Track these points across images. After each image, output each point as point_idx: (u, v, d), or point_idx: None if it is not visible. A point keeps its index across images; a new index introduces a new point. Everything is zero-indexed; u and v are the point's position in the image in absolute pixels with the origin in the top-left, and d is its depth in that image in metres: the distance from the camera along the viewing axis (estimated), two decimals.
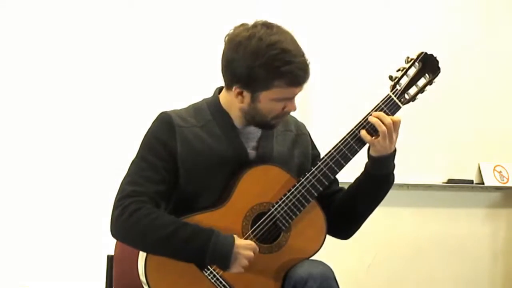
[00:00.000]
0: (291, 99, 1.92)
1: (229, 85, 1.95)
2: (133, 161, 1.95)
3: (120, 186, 1.91)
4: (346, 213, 2.02)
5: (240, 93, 1.92)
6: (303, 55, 1.89)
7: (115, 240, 2.18)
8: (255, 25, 1.90)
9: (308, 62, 1.89)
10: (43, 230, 3.19)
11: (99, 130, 3.27)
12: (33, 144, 3.20)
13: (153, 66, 3.36)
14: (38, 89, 3.21)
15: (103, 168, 3.21)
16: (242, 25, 1.93)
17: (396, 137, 1.93)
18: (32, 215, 3.18)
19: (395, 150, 1.96)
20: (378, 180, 2.00)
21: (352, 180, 2.06)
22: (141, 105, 3.25)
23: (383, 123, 1.90)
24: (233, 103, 1.97)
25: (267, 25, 1.90)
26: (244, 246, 1.85)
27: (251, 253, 1.85)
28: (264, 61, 1.84)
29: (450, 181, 3.85)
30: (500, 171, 3.97)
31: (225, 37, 1.94)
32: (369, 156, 1.97)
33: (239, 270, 1.85)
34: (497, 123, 3.98)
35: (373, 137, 1.92)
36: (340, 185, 2.12)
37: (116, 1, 3.31)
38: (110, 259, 2.22)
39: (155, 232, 1.83)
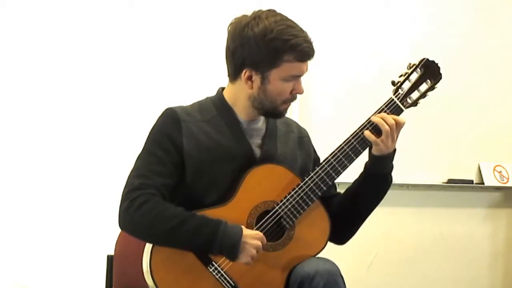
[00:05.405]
0: (299, 77, 1.95)
1: (237, 71, 1.96)
2: (139, 156, 1.96)
3: (128, 179, 1.92)
4: (345, 216, 2.03)
5: (250, 77, 1.94)
6: (306, 32, 1.95)
7: (115, 240, 2.18)
8: (257, 11, 1.96)
9: (312, 39, 1.94)
10: (43, 230, 3.19)
11: (101, 131, 3.27)
12: (34, 144, 3.21)
13: (156, 66, 3.36)
14: (42, 87, 3.23)
15: (104, 168, 3.22)
16: (243, 15, 1.97)
17: (397, 138, 1.96)
18: (32, 215, 3.19)
19: (394, 150, 1.99)
20: (378, 179, 2.02)
21: (351, 181, 2.07)
22: (140, 109, 3.26)
23: (386, 123, 1.93)
24: (239, 94, 1.99)
25: (268, 10, 1.96)
26: (252, 235, 1.86)
27: (259, 243, 1.86)
28: (274, 36, 1.88)
29: (450, 181, 3.84)
30: (500, 171, 3.96)
31: (228, 27, 1.97)
32: (370, 155, 1.99)
33: (247, 260, 1.85)
34: (497, 123, 3.97)
35: (377, 137, 1.94)
36: (338, 189, 2.14)
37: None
38: (110, 259, 2.22)
39: (164, 223, 1.84)
